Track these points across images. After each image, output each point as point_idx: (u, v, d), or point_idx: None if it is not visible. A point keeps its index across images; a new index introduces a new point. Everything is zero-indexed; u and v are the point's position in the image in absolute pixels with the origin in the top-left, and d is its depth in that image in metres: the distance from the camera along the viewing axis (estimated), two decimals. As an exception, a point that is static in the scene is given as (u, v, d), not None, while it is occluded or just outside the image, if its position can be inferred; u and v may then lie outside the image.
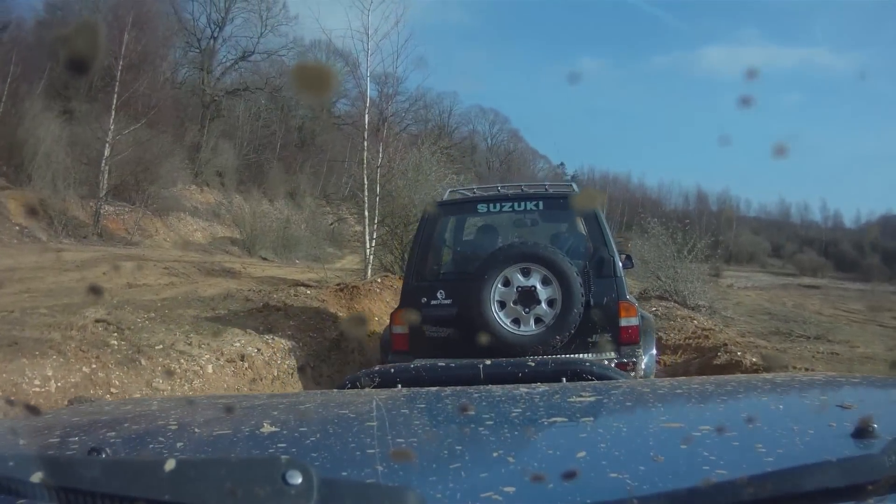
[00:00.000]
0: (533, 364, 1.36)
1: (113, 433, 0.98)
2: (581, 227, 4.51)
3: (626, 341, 4.01)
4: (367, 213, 11.03)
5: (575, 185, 5.12)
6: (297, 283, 9.85)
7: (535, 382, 1.19)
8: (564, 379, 1.26)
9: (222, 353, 5.10)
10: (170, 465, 0.59)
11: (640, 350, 4.04)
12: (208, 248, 19.84)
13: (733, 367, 5.48)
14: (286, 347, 5.73)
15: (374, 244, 11.25)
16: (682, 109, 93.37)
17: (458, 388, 1.17)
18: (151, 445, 0.90)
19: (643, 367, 4.05)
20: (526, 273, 3.95)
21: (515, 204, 4.55)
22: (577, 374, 1.30)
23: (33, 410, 1.45)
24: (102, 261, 11.37)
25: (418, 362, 3.70)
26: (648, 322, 4.52)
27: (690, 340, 6.64)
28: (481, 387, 1.18)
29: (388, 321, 4.68)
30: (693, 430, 0.84)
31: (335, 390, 1.39)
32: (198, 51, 28.44)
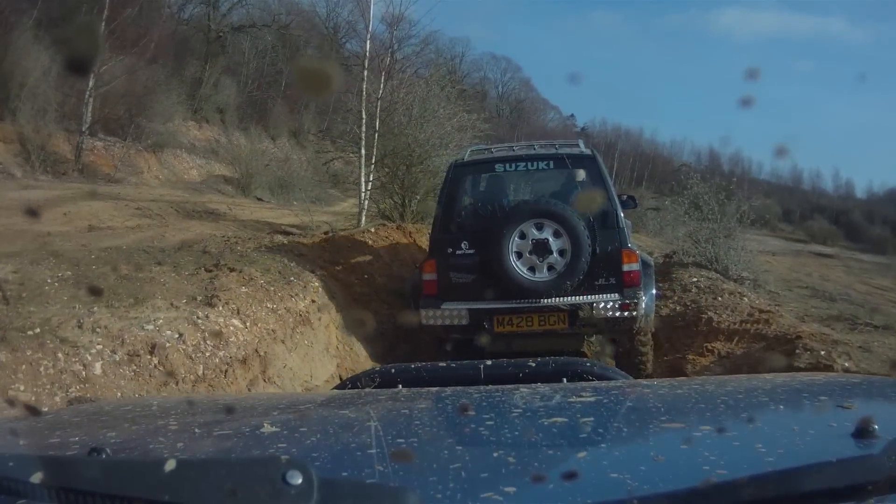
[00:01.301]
0: (533, 364, 1.36)
1: (113, 433, 0.98)
2: (588, 183, 4.91)
3: (628, 284, 4.55)
4: (363, 152, 9.57)
5: (582, 144, 5.53)
6: (279, 230, 8.73)
7: (536, 382, 1.19)
8: (565, 379, 1.26)
9: (123, 342, 3.61)
10: (170, 465, 0.59)
11: (641, 292, 4.57)
12: (199, 187, 18.32)
13: (820, 372, 4.39)
14: (225, 329, 4.23)
15: (369, 187, 9.90)
16: (695, 69, 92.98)
17: (459, 388, 1.17)
18: (151, 446, 0.90)
19: (643, 306, 4.59)
20: (539, 227, 4.53)
21: (529, 163, 5.03)
22: (578, 374, 1.30)
23: (33, 410, 1.45)
24: (70, 200, 9.99)
25: (446, 305, 4.14)
26: (649, 266, 5.06)
27: (748, 325, 5.38)
28: (481, 387, 1.18)
29: (379, 279, 6.13)
30: (693, 430, 0.84)
31: (335, 390, 1.39)
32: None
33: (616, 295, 4.53)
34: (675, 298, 6.81)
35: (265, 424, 0.93)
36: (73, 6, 17.41)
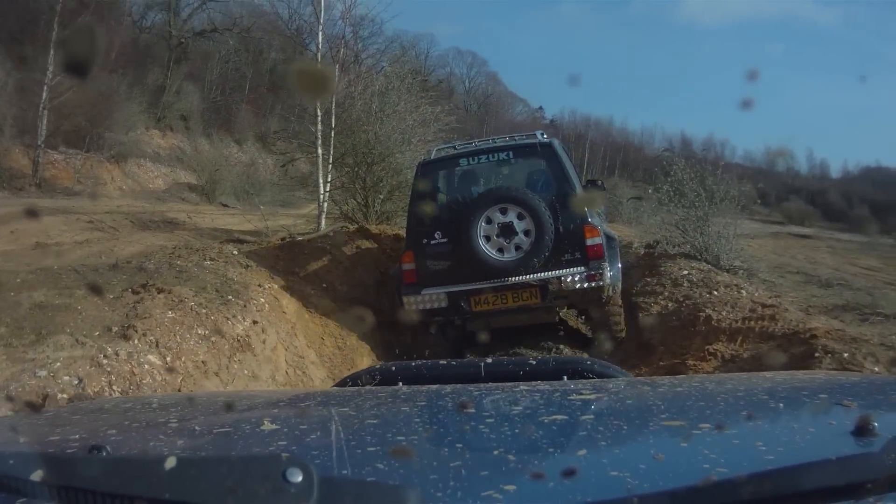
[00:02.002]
0: (534, 362, 1.36)
1: (113, 431, 0.98)
2: (547, 168, 5.34)
3: (592, 257, 4.92)
4: (320, 151, 9.08)
5: (540, 134, 5.78)
6: (232, 238, 8.21)
7: (536, 380, 1.19)
8: (565, 377, 1.26)
9: (8, 396, 2.96)
10: (170, 463, 0.59)
11: (606, 263, 4.93)
12: (163, 196, 17.80)
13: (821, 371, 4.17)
14: (137, 369, 3.43)
15: (328, 188, 9.51)
16: (663, 56, 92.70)
17: (459, 385, 1.17)
18: (152, 443, 0.90)
19: (609, 276, 4.94)
20: (503, 211, 4.89)
21: (490, 155, 5.44)
22: (578, 372, 1.30)
23: (33, 408, 1.45)
24: (21, 216, 9.06)
25: (426, 290, 4.42)
26: (613, 240, 5.43)
27: (751, 322, 4.99)
28: (482, 384, 1.18)
29: (339, 287, 6.01)
30: (693, 428, 0.84)
31: (335, 388, 1.39)
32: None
33: (582, 268, 4.90)
34: (666, 294, 6.21)
35: (265, 422, 0.93)
36: (31, 19, 17.18)
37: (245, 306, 4.67)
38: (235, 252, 5.98)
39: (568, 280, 4.90)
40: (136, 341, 3.63)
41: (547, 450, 0.82)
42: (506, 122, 46.43)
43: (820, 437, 0.81)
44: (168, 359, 3.68)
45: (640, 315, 5.82)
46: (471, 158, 5.45)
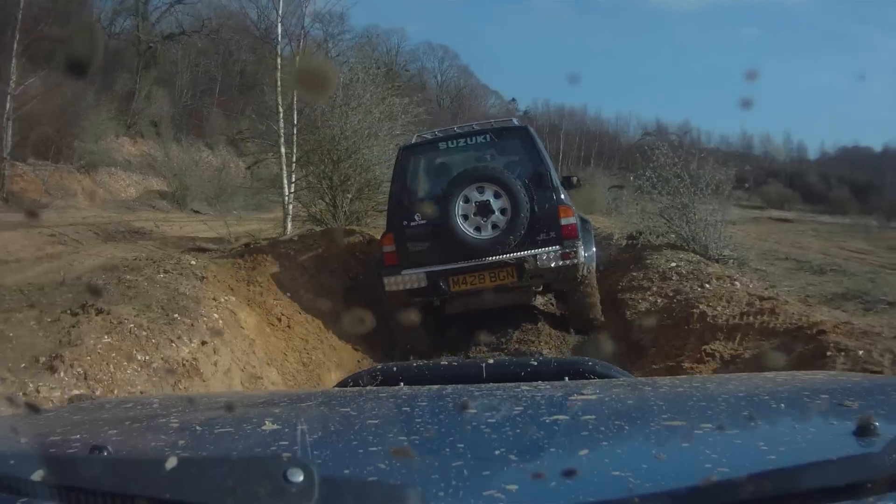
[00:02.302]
0: (535, 363, 1.37)
1: (114, 431, 0.98)
2: (522, 150, 5.50)
3: (567, 236, 5.07)
4: (283, 151, 8.61)
5: (515, 120, 6.25)
6: (195, 247, 7.83)
7: (538, 381, 1.19)
8: (566, 377, 1.26)
9: None
10: (171, 463, 0.60)
11: (580, 242, 5.09)
12: (133, 205, 17.33)
13: (821, 371, 3.54)
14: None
15: (292, 189, 9.07)
16: (635, 43, 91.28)
17: (460, 386, 1.17)
18: (153, 443, 0.90)
19: (583, 255, 5.11)
20: (481, 190, 5.02)
21: (468, 139, 5.60)
22: (580, 373, 1.30)
23: (34, 408, 1.45)
24: None
25: (406, 271, 5.11)
26: (587, 223, 5.77)
27: (750, 317, 4.61)
28: (483, 385, 1.18)
29: (304, 295, 5.65)
30: (695, 428, 0.84)
31: (336, 388, 1.39)
32: (132, -4, 26.67)
33: (557, 247, 5.03)
34: (655, 290, 5.79)
35: (266, 422, 0.93)
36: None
37: (193, 325, 4.20)
38: (193, 262, 5.44)
39: (543, 258, 5.02)
40: (61, 374, 3.16)
41: (548, 450, 0.82)
42: (479, 114, 46.30)
43: (821, 437, 0.81)
44: (98, 392, 3.19)
45: (628, 313, 5.46)
46: (450, 142, 5.58)
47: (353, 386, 1.33)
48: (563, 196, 5.23)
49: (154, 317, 4.11)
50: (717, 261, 7.35)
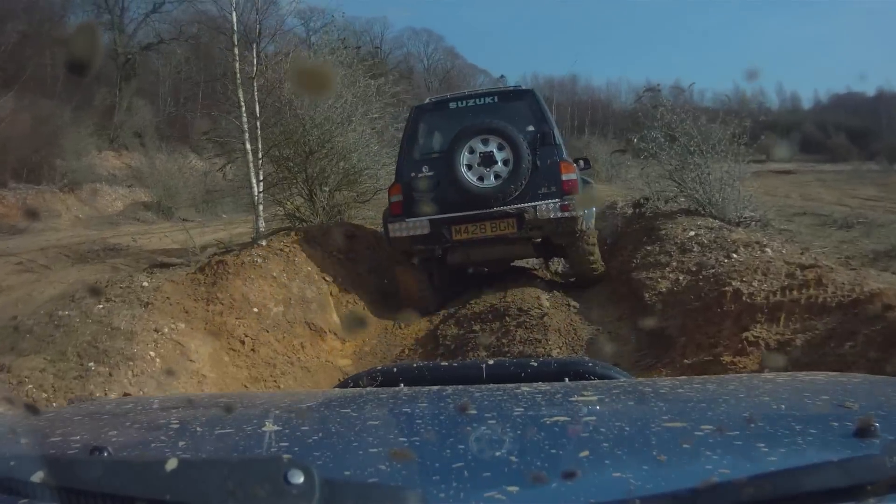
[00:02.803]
0: (535, 364, 1.37)
1: (114, 432, 0.98)
2: (528, 111, 5.73)
3: (567, 191, 5.31)
4: (248, 146, 7.72)
5: (522, 86, 6.53)
6: (157, 263, 7.21)
7: (538, 382, 1.19)
8: (567, 378, 1.26)
9: None
10: (171, 464, 0.60)
11: (578, 200, 5.30)
12: (117, 219, 16.21)
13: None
14: None
15: (261, 189, 8.04)
16: (620, 9, 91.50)
17: (461, 387, 1.17)
18: (153, 445, 0.90)
19: (583, 212, 5.40)
20: (485, 142, 5.27)
21: (478, 99, 5.89)
22: (580, 373, 1.30)
23: (33, 410, 1.45)
24: None
25: (410, 219, 5.45)
26: (590, 183, 6.30)
27: (793, 292, 3.84)
28: (483, 386, 1.18)
29: (273, 309, 5.11)
30: (695, 429, 0.84)
31: (336, 389, 1.39)
32: (106, 11, 26.03)
33: (557, 200, 5.26)
34: (675, 265, 5.14)
35: (266, 423, 0.93)
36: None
37: (111, 374, 3.60)
38: (145, 283, 4.77)
39: (543, 209, 5.25)
40: None
41: (549, 451, 0.82)
42: None
43: (821, 438, 0.81)
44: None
45: (646, 296, 4.90)
46: (459, 102, 5.90)
47: (352, 387, 1.33)
48: (564, 154, 5.51)
49: (65, 369, 3.54)
50: (739, 224, 6.70)
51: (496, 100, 5.83)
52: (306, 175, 8.26)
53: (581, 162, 6.32)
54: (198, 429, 1.00)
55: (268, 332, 4.81)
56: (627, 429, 0.92)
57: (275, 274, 5.40)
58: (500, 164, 5.24)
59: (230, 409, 1.09)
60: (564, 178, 5.32)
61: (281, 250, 5.86)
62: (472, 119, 5.84)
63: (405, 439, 0.90)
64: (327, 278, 5.83)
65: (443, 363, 1.46)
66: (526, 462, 0.76)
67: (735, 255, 4.89)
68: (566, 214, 5.24)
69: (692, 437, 0.80)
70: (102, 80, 24.29)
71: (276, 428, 0.92)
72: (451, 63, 50.18)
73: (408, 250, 5.53)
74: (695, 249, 5.34)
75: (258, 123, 7.72)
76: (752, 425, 0.87)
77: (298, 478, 0.57)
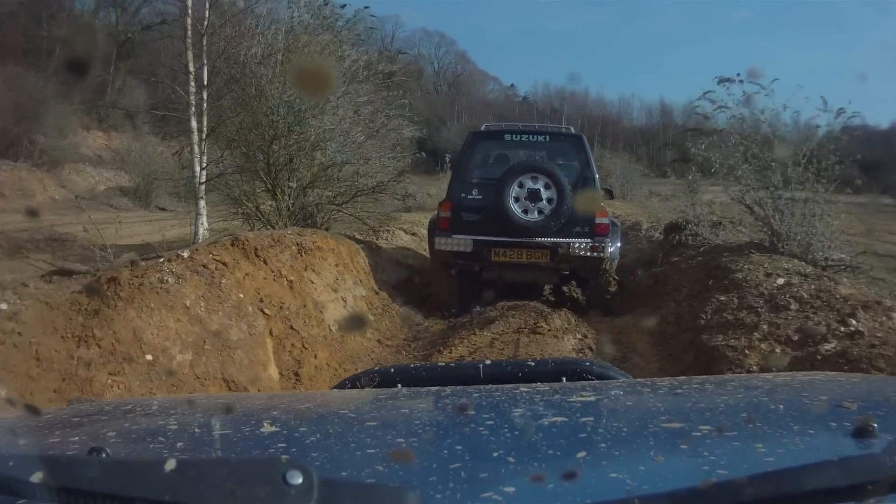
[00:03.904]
0: (533, 364, 1.36)
1: (113, 433, 0.98)
2: (574, 154, 6.26)
3: (598, 233, 5.82)
4: (194, 124, 6.44)
5: (572, 129, 7.12)
6: (57, 270, 5.91)
7: (535, 382, 1.19)
8: (564, 378, 1.26)
9: None
10: (170, 465, 0.60)
11: (608, 240, 5.85)
12: (89, 204, 14.10)
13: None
14: None
15: (203, 179, 6.67)
16: (633, 27, 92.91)
17: (458, 387, 1.17)
18: (152, 445, 0.90)
19: (610, 250, 5.85)
20: (534, 179, 5.75)
21: (530, 136, 6.42)
22: (578, 373, 1.30)
23: (33, 410, 1.44)
24: None
25: (455, 236, 5.92)
26: (616, 226, 6.43)
27: None
28: (481, 386, 1.18)
29: (175, 356, 3.53)
30: (693, 430, 0.84)
31: (335, 390, 1.39)
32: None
33: (588, 240, 5.78)
34: (765, 329, 3.85)
35: (265, 424, 0.93)
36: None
37: None
38: (3, 307, 3.77)
39: (575, 247, 5.78)
40: None
41: (546, 452, 0.82)
42: (477, 100, 45.96)
43: (820, 438, 0.81)
44: None
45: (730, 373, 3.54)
46: (513, 135, 6.46)
47: (350, 388, 1.33)
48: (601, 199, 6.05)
49: None
50: (825, 268, 5.48)
51: (547, 139, 6.43)
52: (268, 165, 6.77)
53: (605, 192, 6.89)
54: (196, 429, 1.00)
55: (156, 394, 3.27)
56: (625, 429, 0.92)
57: (188, 302, 3.81)
58: (544, 201, 5.74)
59: (229, 410, 1.09)
60: (598, 221, 5.83)
61: (205, 267, 4.17)
62: (524, 153, 6.47)
63: (403, 440, 0.90)
64: (268, 310, 4.28)
65: (440, 364, 1.46)
66: (524, 462, 0.76)
67: (855, 322, 3.64)
68: (595, 255, 5.79)
69: (691, 437, 0.80)
70: (98, 56, 23.18)
71: (274, 429, 0.92)
72: (461, 67, 50.44)
73: (448, 262, 6.03)
74: (791, 306, 4.07)
75: (204, 94, 6.47)
76: (751, 425, 0.87)
77: (297, 478, 0.57)
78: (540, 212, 5.76)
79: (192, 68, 6.51)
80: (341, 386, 1.37)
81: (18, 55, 17.48)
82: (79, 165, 19.19)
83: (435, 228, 6.16)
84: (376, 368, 1.41)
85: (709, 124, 6.87)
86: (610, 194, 7.17)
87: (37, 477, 0.61)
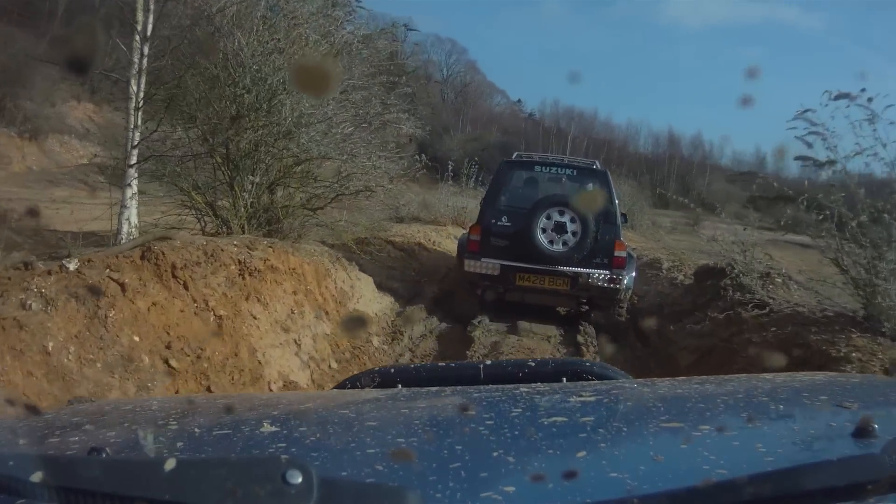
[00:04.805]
0: (533, 364, 1.36)
1: (113, 433, 0.98)
2: (599, 189, 6.56)
3: (616, 266, 6.23)
4: (132, 86, 5.25)
5: (598, 164, 7.44)
6: None
7: (535, 382, 1.19)
8: (565, 379, 1.25)
9: None
10: (170, 464, 0.60)
11: (625, 272, 6.25)
12: (61, 179, 13.37)
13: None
14: None
15: (134, 156, 5.41)
16: (647, 55, 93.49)
17: (458, 387, 1.17)
18: (151, 445, 0.90)
19: (626, 282, 6.29)
20: (561, 213, 6.17)
21: (559, 169, 7.05)
22: (578, 373, 1.30)
23: (33, 410, 1.44)
24: None
25: (484, 259, 6.41)
26: (633, 257, 6.89)
27: None
28: (481, 387, 1.18)
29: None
30: (693, 429, 0.84)
31: (335, 390, 1.39)
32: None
33: (607, 272, 6.19)
34: None
35: (265, 424, 0.93)
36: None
37: None
38: None
39: (594, 277, 6.19)
40: None
41: (546, 452, 0.82)
42: (483, 111, 45.92)
43: (820, 438, 0.81)
44: None
45: None
46: (543, 168, 7.05)
47: (350, 388, 1.33)
48: (621, 234, 6.42)
49: None
50: None
51: (575, 173, 6.95)
52: (227, 152, 5.41)
53: (624, 214, 7.31)
54: (196, 429, 1.00)
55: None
56: (625, 429, 0.92)
57: (51, 345, 2.65)
58: (569, 234, 6.16)
59: (229, 410, 1.09)
60: (617, 254, 6.24)
61: (93, 289, 2.96)
62: (553, 185, 7.03)
63: (403, 440, 0.90)
64: (176, 362, 3.14)
65: (440, 364, 1.46)
66: (523, 462, 0.76)
67: None
68: (612, 286, 6.21)
69: (690, 436, 0.80)
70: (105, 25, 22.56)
71: (274, 429, 0.92)
72: (470, 77, 50.31)
73: (475, 283, 6.40)
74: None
75: (145, 49, 5.17)
76: (751, 425, 0.87)
77: (297, 478, 0.57)
78: (564, 243, 6.16)
79: (140, 16, 5.15)
80: (341, 386, 1.37)
81: (14, 16, 16.36)
82: (64, 137, 17.95)
83: (465, 250, 6.53)
84: (376, 368, 1.41)
85: (813, 152, 4.95)
86: (625, 218, 7.59)
87: (37, 477, 0.61)
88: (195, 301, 3.42)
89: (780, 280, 5.49)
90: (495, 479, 0.69)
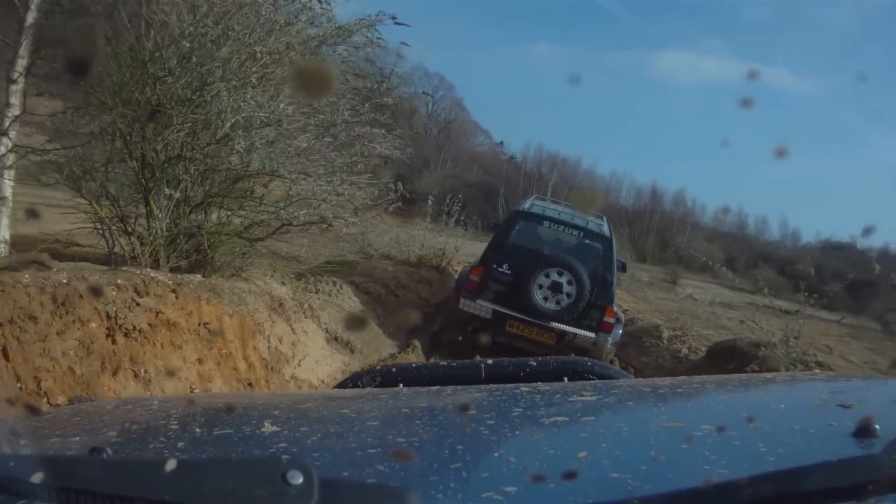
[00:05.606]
0: (534, 363, 1.36)
1: (114, 433, 0.98)
2: (600, 254, 6.76)
3: (604, 330, 6.51)
4: (18, 61, 4.01)
5: (606, 226, 7.38)
6: None
7: (537, 382, 1.19)
8: (566, 378, 1.25)
9: None
10: (171, 465, 0.60)
11: (611, 336, 6.53)
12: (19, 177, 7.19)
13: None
14: None
15: (6, 150, 4.13)
16: (637, 108, 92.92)
17: (460, 387, 1.17)
18: (152, 445, 0.90)
19: (610, 343, 6.57)
20: (560, 273, 6.40)
21: (566, 227, 6.98)
22: (579, 373, 1.30)
23: (33, 410, 1.44)
24: None
25: (480, 301, 6.76)
26: (620, 320, 7.04)
27: None
28: (482, 386, 1.17)
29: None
30: (694, 429, 0.84)
31: (336, 389, 1.39)
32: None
33: (594, 334, 6.47)
34: None
35: (266, 424, 0.93)
36: None
37: None
38: None
39: (581, 337, 6.43)
40: None
41: (547, 451, 0.82)
42: (465, 150, 45.55)
43: (820, 438, 0.81)
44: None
45: None
46: (551, 223, 7.05)
47: (352, 387, 1.33)
48: (614, 300, 6.68)
49: None
50: None
51: (580, 234, 6.99)
52: (143, 156, 4.23)
53: (620, 263, 7.54)
54: (197, 429, 1.00)
55: None
56: (626, 429, 0.92)
57: None
58: (564, 294, 6.38)
59: (230, 410, 1.08)
60: (605, 320, 6.48)
61: None
62: (558, 242, 7.08)
63: (404, 439, 0.90)
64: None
65: (441, 363, 1.45)
66: (524, 462, 0.76)
67: None
68: (596, 347, 6.43)
69: (691, 437, 0.80)
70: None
71: (275, 428, 0.92)
72: (455, 114, 49.25)
73: (467, 321, 6.60)
74: None
75: (30, 13, 3.92)
76: (752, 425, 0.87)
77: (297, 478, 0.57)
78: (558, 302, 6.39)
79: None
80: (342, 385, 1.37)
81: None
82: (28, 129, 16.70)
83: (462, 288, 6.75)
84: (377, 368, 1.41)
85: None
86: (623, 267, 7.70)
87: (37, 477, 0.61)
88: (18, 380, 2.30)
89: (816, 368, 4.40)
90: (496, 479, 0.69)
